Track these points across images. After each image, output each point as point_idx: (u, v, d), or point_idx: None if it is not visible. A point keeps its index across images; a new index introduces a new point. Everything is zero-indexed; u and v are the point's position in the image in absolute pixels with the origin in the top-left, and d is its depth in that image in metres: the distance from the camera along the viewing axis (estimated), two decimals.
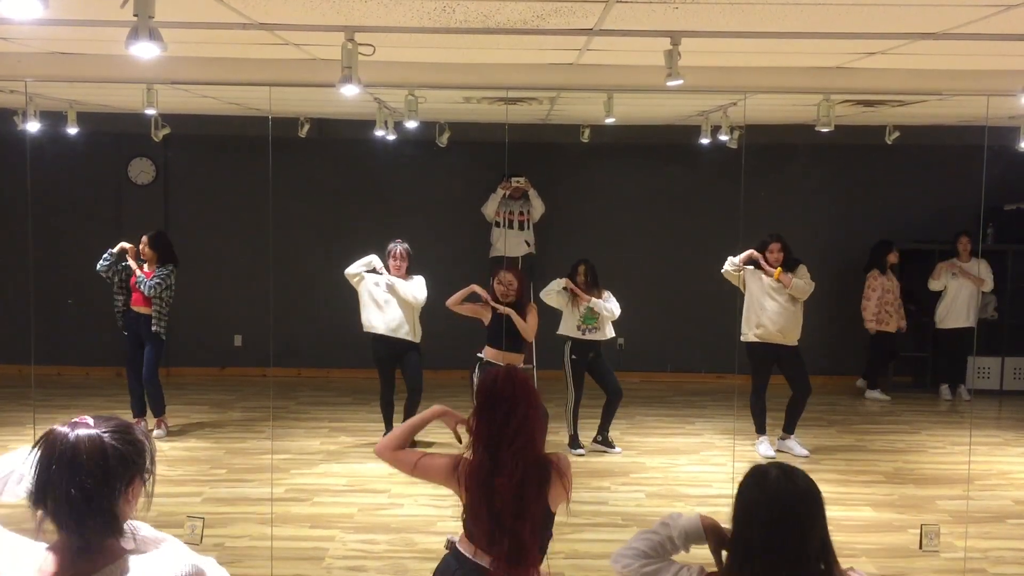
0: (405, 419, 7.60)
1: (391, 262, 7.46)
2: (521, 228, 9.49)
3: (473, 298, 7.12)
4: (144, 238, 7.72)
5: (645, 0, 3.45)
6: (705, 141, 8.07)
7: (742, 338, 7.57)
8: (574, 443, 7.52)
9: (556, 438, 7.54)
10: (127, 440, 1.97)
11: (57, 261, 9.62)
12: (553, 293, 7.50)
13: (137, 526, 2.02)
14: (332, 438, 7.91)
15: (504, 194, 9.35)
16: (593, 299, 7.41)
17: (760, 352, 7.53)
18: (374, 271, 7.50)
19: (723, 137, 7.83)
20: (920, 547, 4.98)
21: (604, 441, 7.64)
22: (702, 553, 2.47)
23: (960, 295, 9.40)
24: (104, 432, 1.94)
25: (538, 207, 9.44)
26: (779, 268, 7.41)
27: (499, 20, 3.87)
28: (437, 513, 6.13)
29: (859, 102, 6.69)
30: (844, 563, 2.28)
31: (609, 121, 6.88)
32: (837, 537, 2.26)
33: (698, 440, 8.04)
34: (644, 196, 10.10)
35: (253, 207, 9.39)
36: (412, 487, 6.64)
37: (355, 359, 8.89)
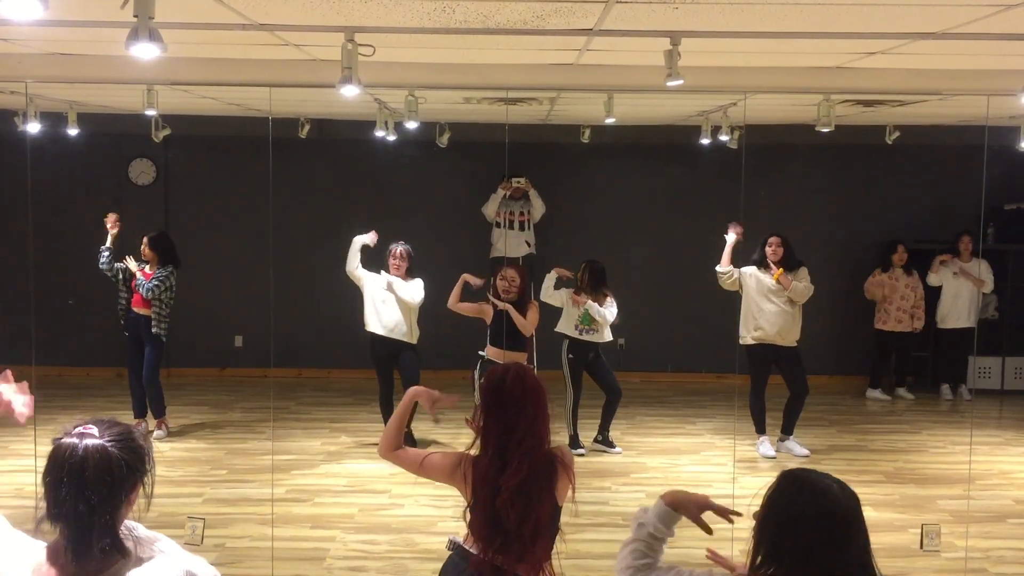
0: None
1: (391, 261, 7.46)
2: (521, 228, 9.49)
3: (472, 292, 7.12)
4: (144, 239, 7.73)
5: (645, 0, 3.45)
6: (705, 141, 8.07)
7: (741, 341, 7.57)
8: (574, 443, 7.52)
9: (556, 438, 7.52)
10: (131, 448, 1.99)
11: (58, 262, 9.62)
12: (550, 289, 7.50)
13: (132, 526, 2.03)
14: (333, 438, 7.91)
15: (504, 194, 9.35)
16: (589, 302, 7.41)
17: (759, 353, 7.53)
18: (374, 269, 7.51)
19: (723, 137, 7.83)
20: (921, 547, 4.97)
21: (604, 441, 7.65)
22: (695, 533, 2.46)
23: (961, 295, 9.39)
24: (109, 442, 1.95)
25: (538, 207, 9.44)
26: (780, 270, 7.41)
27: (499, 20, 3.87)
28: (438, 513, 6.13)
29: (859, 102, 6.69)
30: None
31: (609, 121, 6.88)
32: None
33: (699, 440, 8.04)
34: (644, 196, 10.10)
35: (253, 208, 9.39)
36: (413, 487, 6.64)
37: (356, 359, 8.88)
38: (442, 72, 5.30)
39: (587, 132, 8.75)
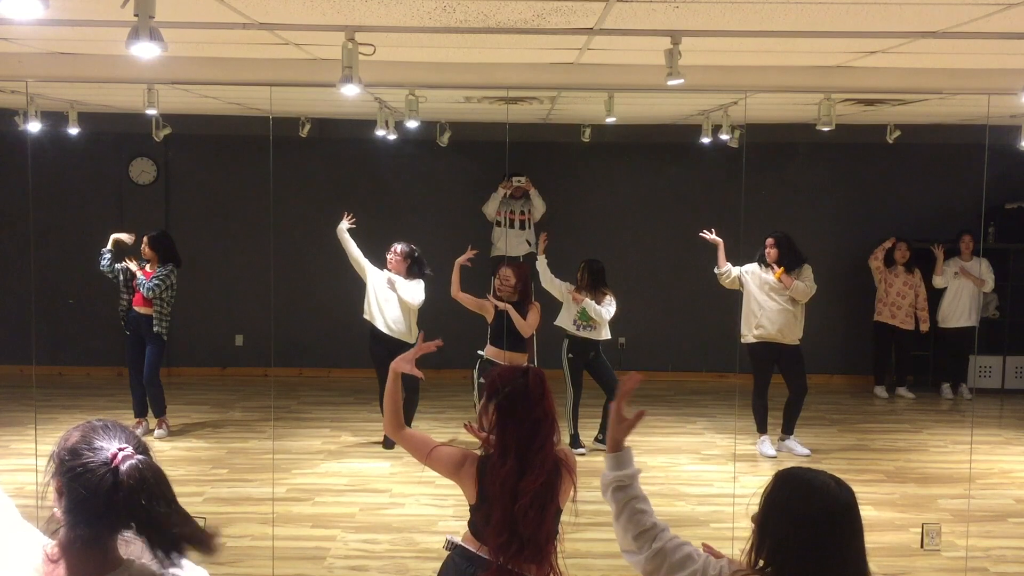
0: (405, 418, 7.60)
1: (388, 258, 7.48)
2: (522, 228, 9.49)
3: (476, 285, 7.11)
4: (144, 238, 7.73)
5: None
6: (706, 140, 8.06)
7: (742, 339, 7.57)
8: (575, 442, 7.51)
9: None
10: (149, 452, 2.05)
11: (58, 261, 9.63)
12: (549, 276, 7.48)
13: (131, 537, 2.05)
14: (333, 438, 7.91)
15: (505, 194, 9.35)
16: (587, 300, 7.40)
17: (760, 352, 7.53)
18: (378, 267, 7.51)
19: (724, 136, 7.83)
20: (921, 546, 4.98)
21: (605, 440, 7.63)
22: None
23: (962, 294, 9.39)
24: (147, 454, 2.01)
25: (539, 207, 9.44)
26: (781, 268, 7.40)
27: (499, 20, 3.87)
28: (438, 513, 6.14)
29: (860, 101, 6.69)
30: None
31: (610, 120, 6.88)
32: None
33: (699, 439, 8.04)
34: (645, 195, 10.09)
35: (254, 207, 9.39)
36: (413, 487, 6.64)
37: (356, 359, 8.89)
38: (442, 71, 5.30)
39: (587, 131, 8.75)
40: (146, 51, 3.18)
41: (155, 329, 7.65)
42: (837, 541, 2.12)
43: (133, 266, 7.66)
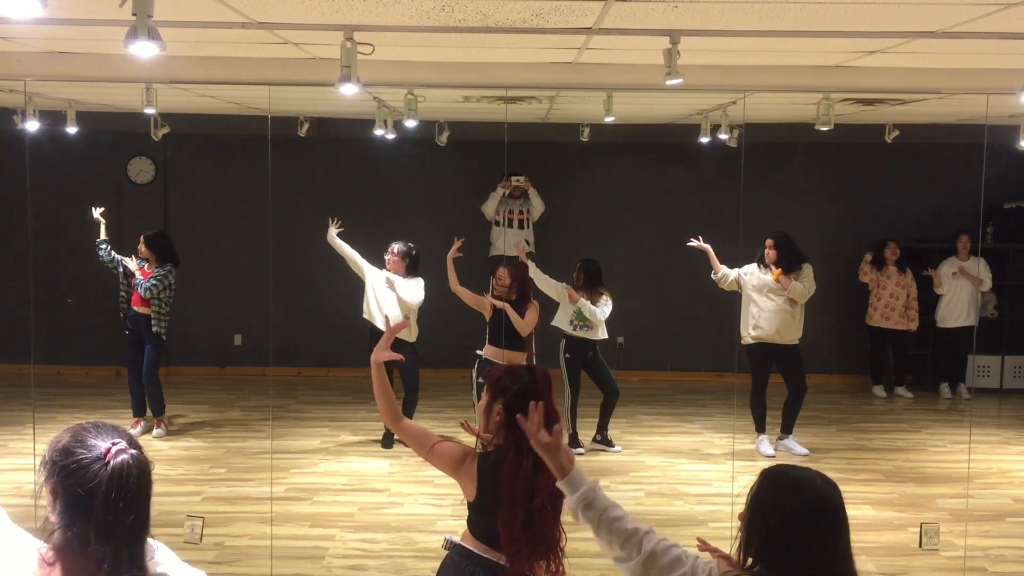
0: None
1: (386, 259, 7.47)
2: (521, 227, 9.49)
3: (476, 281, 7.11)
4: (141, 238, 7.72)
5: None
6: (705, 140, 8.07)
7: (741, 340, 7.57)
8: (573, 442, 7.51)
9: None
10: (143, 451, 2.02)
11: (57, 260, 9.62)
12: (544, 278, 7.48)
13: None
14: (332, 437, 7.91)
15: (504, 193, 9.35)
16: (582, 300, 7.40)
17: (759, 352, 7.54)
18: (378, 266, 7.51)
19: (723, 136, 7.83)
20: (920, 545, 4.98)
21: (604, 440, 7.65)
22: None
23: (960, 294, 9.40)
24: (136, 449, 1.98)
25: (538, 206, 9.44)
26: (779, 270, 7.40)
27: (498, 19, 3.87)
28: (437, 512, 6.14)
29: (859, 101, 6.69)
30: None
31: (608, 120, 6.88)
32: None
33: (698, 439, 8.04)
34: (644, 195, 10.09)
35: (253, 206, 9.39)
36: (412, 486, 6.65)
37: (355, 358, 8.85)
38: (441, 71, 5.29)
39: (586, 131, 8.75)
40: (145, 50, 3.18)
41: (154, 329, 7.64)
42: (823, 537, 2.14)
43: (132, 265, 7.65)
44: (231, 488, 6.61)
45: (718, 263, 7.58)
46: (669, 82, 4.23)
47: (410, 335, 7.52)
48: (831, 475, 2.30)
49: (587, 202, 10.05)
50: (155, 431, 7.80)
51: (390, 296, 7.40)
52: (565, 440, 2.54)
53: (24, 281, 8.84)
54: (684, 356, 10.13)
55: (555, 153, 9.78)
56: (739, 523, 2.23)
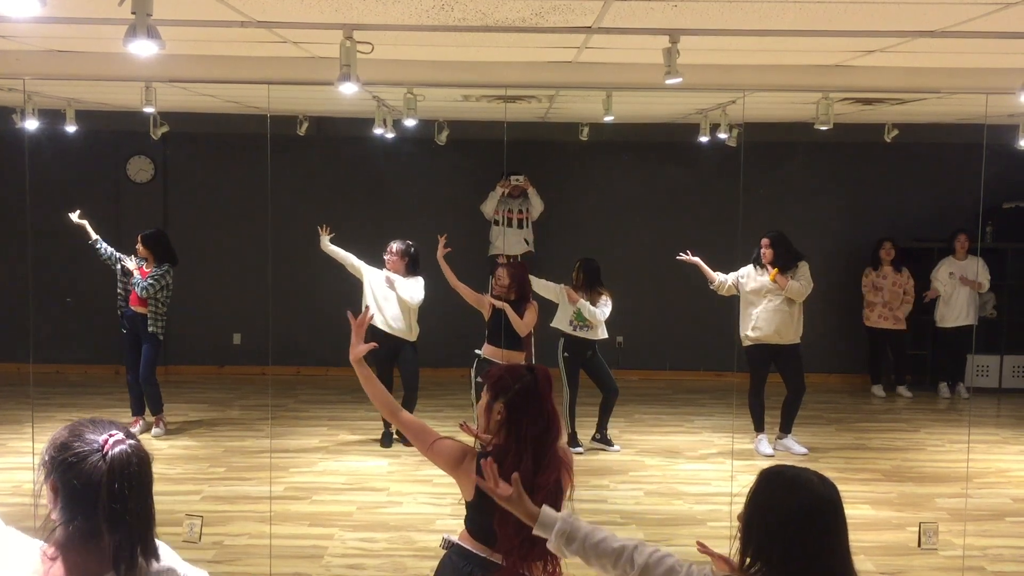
0: None
1: (386, 258, 7.47)
2: (520, 226, 9.48)
3: (476, 279, 7.10)
4: (139, 237, 7.71)
5: None
6: (704, 139, 8.07)
7: (742, 342, 7.56)
8: (572, 441, 7.51)
9: None
10: (141, 443, 2.03)
11: (56, 259, 9.61)
12: (542, 283, 7.47)
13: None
14: (331, 436, 7.91)
15: (503, 192, 9.34)
16: (581, 301, 7.39)
17: (757, 353, 7.53)
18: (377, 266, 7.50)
19: (722, 135, 7.83)
20: (919, 545, 4.98)
21: (603, 439, 7.65)
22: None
23: (959, 294, 9.40)
24: (136, 441, 1.99)
25: (537, 205, 9.43)
26: (775, 270, 7.40)
27: (498, 18, 3.87)
28: (436, 511, 6.14)
29: (858, 100, 6.69)
30: None
31: (608, 119, 6.88)
32: None
33: (697, 438, 8.04)
34: (643, 194, 10.09)
35: (252, 205, 9.38)
36: (411, 485, 6.65)
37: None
38: (441, 70, 5.29)
39: (586, 130, 8.75)
40: (144, 49, 3.18)
41: (151, 328, 7.63)
42: (821, 537, 2.14)
43: (131, 264, 7.64)
44: (230, 487, 6.60)
45: (711, 272, 7.55)
46: (669, 81, 4.23)
47: (410, 334, 7.52)
48: (830, 474, 2.31)
49: (586, 201, 10.04)
50: (154, 430, 7.80)
51: (390, 295, 7.40)
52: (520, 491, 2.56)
53: (23, 280, 8.84)
54: (683, 355, 10.13)
55: (554, 152, 9.78)
56: (738, 523, 2.23)
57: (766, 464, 2.36)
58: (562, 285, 7.52)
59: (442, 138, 8.40)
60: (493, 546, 2.98)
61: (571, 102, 7.37)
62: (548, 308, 7.64)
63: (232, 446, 7.58)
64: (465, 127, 8.78)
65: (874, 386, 9.74)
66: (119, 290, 7.78)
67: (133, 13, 3.09)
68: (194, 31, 4.37)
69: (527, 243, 9.50)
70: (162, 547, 2.04)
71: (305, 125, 8.41)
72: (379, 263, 7.55)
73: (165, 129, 7.83)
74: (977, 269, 9.30)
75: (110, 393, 8.84)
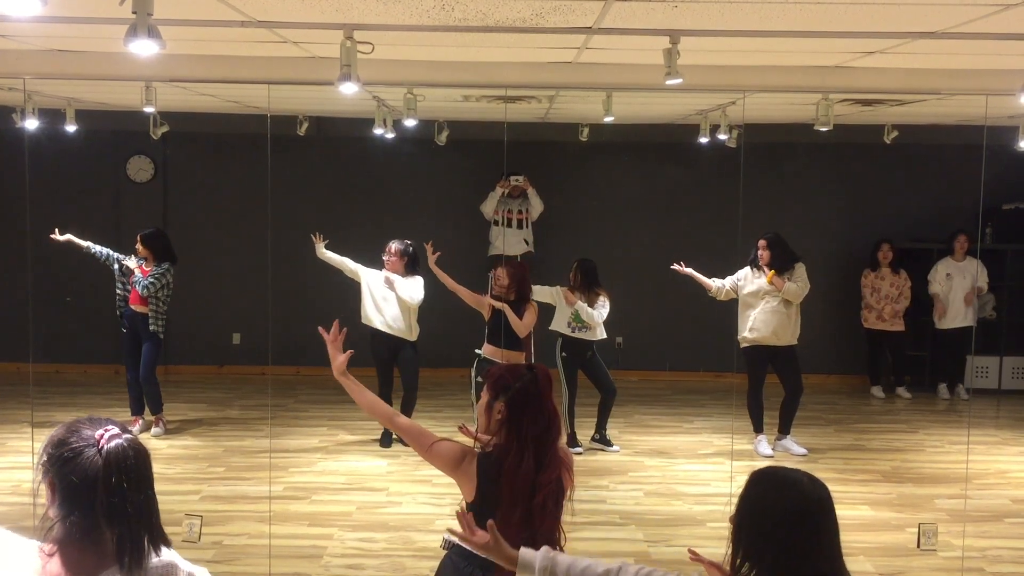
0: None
1: (384, 259, 7.47)
2: (520, 227, 9.49)
3: (475, 280, 7.10)
4: (139, 236, 7.71)
5: None
6: (704, 140, 8.07)
7: (741, 343, 7.56)
8: (572, 441, 7.51)
9: None
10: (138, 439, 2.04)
11: (55, 259, 9.60)
12: (540, 289, 7.47)
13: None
14: (330, 436, 7.91)
15: (503, 192, 9.34)
16: (579, 303, 7.39)
17: (755, 354, 7.54)
18: (375, 266, 7.50)
19: (722, 136, 7.83)
20: (918, 546, 4.98)
21: (602, 439, 7.65)
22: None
23: (958, 295, 9.40)
24: (133, 436, 2.00)
25: (537, 206, 9.43)
26: (772, 272, 7.39)
27: (498, 18, 3.87)
28: (436, 511, 6.14)
29: (858, 101, 6.69)
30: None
31: (608, 120, 6.88)
32: None
33: (696, 439, 8.04)
34: (643, 195, 10.10)
35: (252, 205, 9.39)
36: (410, 485, 6.65)
37: (354, 358, 8.81)
38: (441, 70, 5.29)
39: (586, 130, 8.75)
40: (144, 48, 3.18)
41: (151, 328, 7.63)
42: (811, 537, 2.14)
43: (131, 263, 7.64)
44: (229, 487, 6.61)
45: (707, 281, 7.55)
46: (669, 82, 4.23)
47: (410, 334, 7.52)
48: (829, 475, 2.32)
49: (586, 202, 10.04)
50: (153, 430, 7.80)
51: (389, 296, 7.40)
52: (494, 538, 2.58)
53: (23, 279, 8.84)
54: (683, 356, 10.13)
55: (554, 153, 9.78)
56: (730, 525, 2.24)
57: (765, 465, 2.36)
58: (558, 287, 7.52)
59: (442, 138, 8.40)
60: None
61: (571, 102, 7.37)
62: (547, 310, 7.64)
63: (232, 446, 7.58)
64: (465, 127, 8.78)
65: (873, 387, 9.74)
66: (118, 290, 7.77)
67: (134, 12, 3.09)
68: (195, 31, 4.37)
69: (527, 243, 9.50)
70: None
71: (305, 125, 8.41)
72: (378, 263, 7.55)
73: (165, 129, 7.83)
74: (976, 270, 9.30)
75: (109, 393, 8.84)
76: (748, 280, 7.50)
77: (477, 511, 3.03)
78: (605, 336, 7.61)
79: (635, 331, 9.75)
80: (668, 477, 7.02)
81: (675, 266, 7.52)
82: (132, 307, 7.70)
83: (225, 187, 9.93)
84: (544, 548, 2.52)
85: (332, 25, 4.07)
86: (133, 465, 1.93)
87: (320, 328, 3.29)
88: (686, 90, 5.37)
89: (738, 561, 2.18)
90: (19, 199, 8.17)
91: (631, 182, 10.09)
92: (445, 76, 5.36)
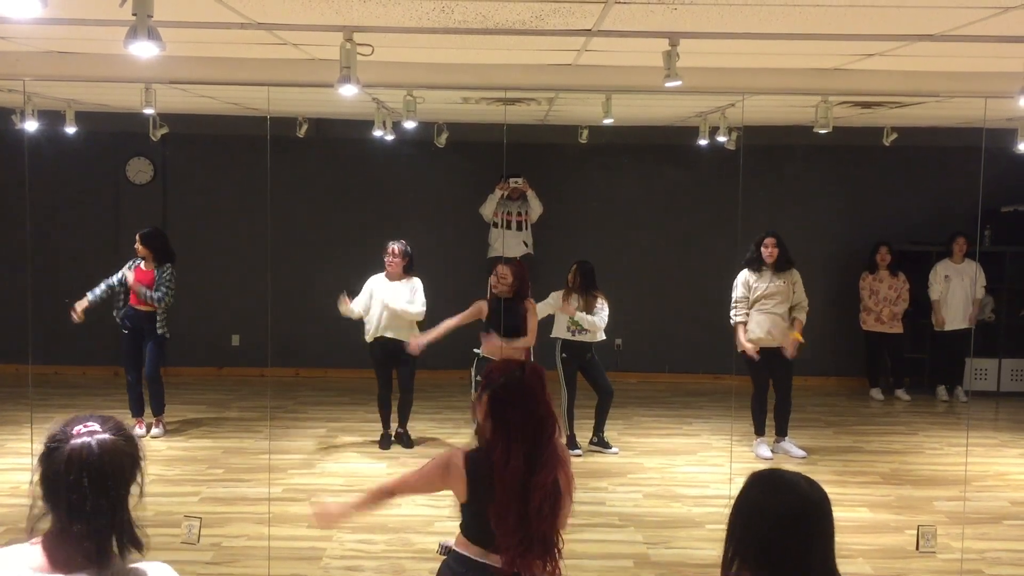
0: (400, 418, 7.62)
1: (387, 259, 7.45)
2: (519, 229, 9.49)
3: (468, 299, 7.12)
4: (137, 236, 7.71)
5: (644, 1, 3.46)
6: (703, 142, 8.07)
7: (739, 348, 7.54)
8: (571, 443, 7.51)
9: None
10: (131, 439, 2.02)
11: (55, 260, 9.61)
12: (546, 305, 7.48)
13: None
14: (330, 438, 7.91)
15: (502, 195, 9.34)
16: (579, 313, 7.38)
17: (756, 359, 7.52)
18: (375, 267, 7.51)
19: (721, 138, 7.83)
20: (917, 548, 4.98)
21: (600, 442, 7.64)
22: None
23: (956, 297, 9.40)
24: (115, 435, 1.98)
25: (536, 208, 9.44)
26: (796, 333, 7.39)
27: (498, 20, 3.88)
28: (435, 513, 6.13)
29: (857, 103, 6.70)
30: (840, 565, 2.28)
31: (607, 122, 6.89)
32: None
33: (695, 441, 8.04)
34: (642, 197, 10.10)
35: (251, 207, 9.39)
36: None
37: (353, 359, 8.88)
38: (440, 72, 5.30)
39: (585, 133, 8.75)
40: (144, 50, 3.18)
41: (159, 329, 7.68)
42: (805, 541, 2.13)
43: (130, 276, 7.63)
44: (229, 489, 6.60)
45: (742, 335, 7.47)
46: (668, 84, 4.23)
47: (397, 331, 7.51)
48: (828, 477, 2.32)
49: (585, 204, 10.05)
50: (153, 431, 7.80)
51: (391, 298, 7.36)
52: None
53: (22, 281, 8.83)
54: (682, 358, 10.13)
55: (554, 155, 9.78)
56: (727, 527, 2.24)
57: (765, 467, 2.36)
58: (554, 294, 7.50)
59: (441, 140, 8.40)
60: (489, 547, 2.96)
61: (571, 105, 7.38)
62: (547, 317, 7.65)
63: (231, 447, 7.58)
64: (464, 129, 8.78)
65: (872, 389, 9.75)
66: (118, 290, 7.76)
67: (134, 14, 3.10)
68: (194, 33, 4.37)
69: (526, 245, 9.50)
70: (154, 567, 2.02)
71: (304, 127, 8.41)
72: (376, 265, 7.55)
73: (165, 130, 7.83)
74: (975, 272, 9.31)
75: (109, 394, 8.83)
76: (751, 287, 7.47)
77: (470, 510, 3.01)
78: (604, 338, 7.61)
79: (634, 333, 9.75)
80: (667, 479, 7.02)
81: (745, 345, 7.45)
82: (134, 307, 7.69)
83: (225, 189, 9.93)
84: None
85: (332, 27, 4.07)
86: (96, 464, 1.91)
87: (311, 519, 3.45)
88: (685, 92, 5.38)
89: (729, 555, 2.18)
90: (19, 201, 8.17)
91: (630, 184, 10.10)
92: (444, 78, 5.36)
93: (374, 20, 3.90)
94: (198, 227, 9.89)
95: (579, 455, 7.39)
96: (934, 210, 9.87)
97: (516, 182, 9.27)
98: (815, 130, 6.07)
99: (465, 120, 8.65)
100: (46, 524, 1.96)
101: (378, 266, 7.55)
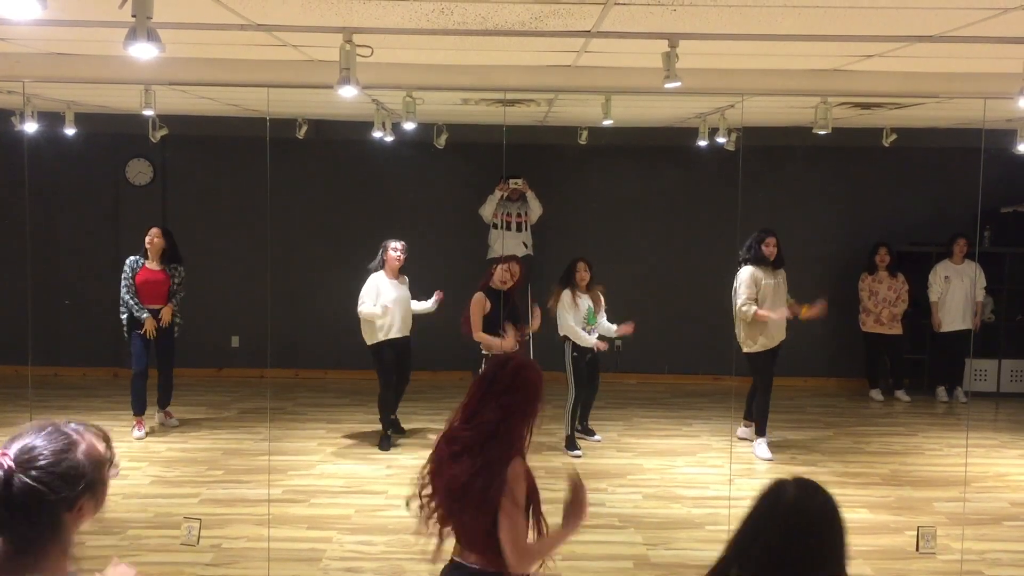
0: (392, 400, 7.79)
1: (393, 255, 7.52)
2: (519, 230, 9.48)
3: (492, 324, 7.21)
4: (156, 230, 7.89)
5: (643, 2, 3.46)
6: (703, 143, 8.07)
7: (745, 349, 7.52)
8: (571, 444, 7.52)
9: (553, 439, 7.54)
10: (55, 472, 1.86)
11: (55, 262, 9.61)
12: (564, 311, 7.54)
13: None
14: (329, 439, 7.91)
15: (502, 196, 9.34)
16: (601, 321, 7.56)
17: (765, 357, 7.52)
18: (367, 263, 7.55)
19: (720, 139, 7.83)
20: (917, 549, 4.99)
21: (585, 430, 7.79)
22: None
23: (956, 297, 9.40)
24: (25, 469, 1.85)
25: (536, 209, 9.44)
26: (805, 307, 7.41)
27: (497, 22, 3.88)
28: None
29: (856, 104, 6.70)
30: None
31: (607, 123, 6.89)
32: None
33: (695, 442, 8.04)
34: (642, 198, 10.10)
35: (251, 208, 9.39)
36: (409, 488, 6.63)
37: (353, 360, 8.89)
38: (440, 73, 5.30)
39: (585, 134, 8.75)
40: (144, 52, 3.18)
41: (176, 331, 7.97)
42: (813, 550, 2.12)
43: (135, 271, 7.76)
44: (228, 490, 6.60)
45: (765, 311, 7.44)
46: (667, 85, 4.24)
47: (405, 329, 7.59)
48: (827, 479, 2.32)
49: (585, 205, 10.05)
50: (171, 421, 8.08)
51: (400, 299, 7.49)
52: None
53: (22, 282, 8.84)
54: (682, 359, 10.13)
55: (553, 156, 9.79)
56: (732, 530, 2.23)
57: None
58: (558, 293, 7.55)
59: (441, 141, 8.40)
60: (489, 555, 2.95)
61: (570, 106, 7.38)
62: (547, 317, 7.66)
63: (230, 449, 7.58)
64: (464, 130, 8.79)
65: (872, 390, 9.75)
66: (127, 293, 7.75)
67: (133, 16, 3.10)
68: (194, 34, 4.37)
69: (526, 246, 9.50)
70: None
71: (304, 128, 8.41)
72: (367, 260, 7.65)
73: (164, 132, 7.83)
74: (974, 273, 9.31)
75: (108, 396, 8.83)
76: (760, 284, 7.45)
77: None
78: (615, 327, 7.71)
79: (634, 334, 9.71)
80: (667, 480, 7.02)
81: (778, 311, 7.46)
82: (149, 306, 7.76)
83: (224, 190, 9.94)
84: None
85: (331, 28, 4.08)
86: (3, 496, 1.81)
87: None
88: (685, 93, 5.38)
89: (726, 559, 2.17)
90: (19, 202, 8.17)
91: (630, 185, 10.10)
92: (444, 79, 5.36)
93: (374, 21, 3.90)
94: (198, 228, 9.88)
95: (579, 455, 7.40)
96: (933, 211, 9.88)
97: (516, 183, 9.27)
98: (814, 131, 6.07)
99: (465, 121, 8.65)
100: None
101: (367, 261, 7.62)
